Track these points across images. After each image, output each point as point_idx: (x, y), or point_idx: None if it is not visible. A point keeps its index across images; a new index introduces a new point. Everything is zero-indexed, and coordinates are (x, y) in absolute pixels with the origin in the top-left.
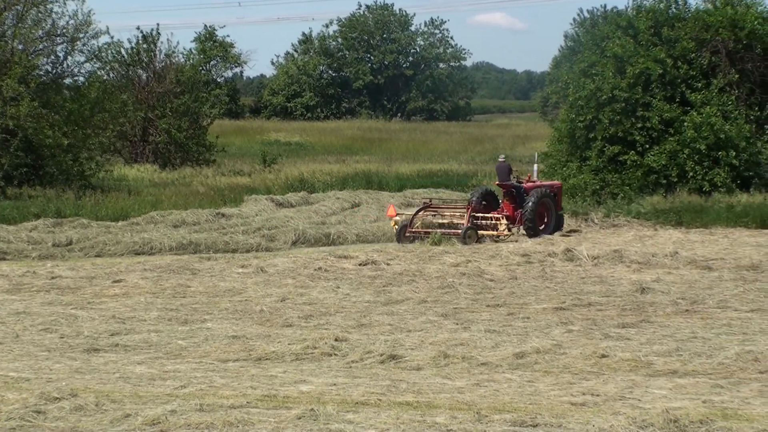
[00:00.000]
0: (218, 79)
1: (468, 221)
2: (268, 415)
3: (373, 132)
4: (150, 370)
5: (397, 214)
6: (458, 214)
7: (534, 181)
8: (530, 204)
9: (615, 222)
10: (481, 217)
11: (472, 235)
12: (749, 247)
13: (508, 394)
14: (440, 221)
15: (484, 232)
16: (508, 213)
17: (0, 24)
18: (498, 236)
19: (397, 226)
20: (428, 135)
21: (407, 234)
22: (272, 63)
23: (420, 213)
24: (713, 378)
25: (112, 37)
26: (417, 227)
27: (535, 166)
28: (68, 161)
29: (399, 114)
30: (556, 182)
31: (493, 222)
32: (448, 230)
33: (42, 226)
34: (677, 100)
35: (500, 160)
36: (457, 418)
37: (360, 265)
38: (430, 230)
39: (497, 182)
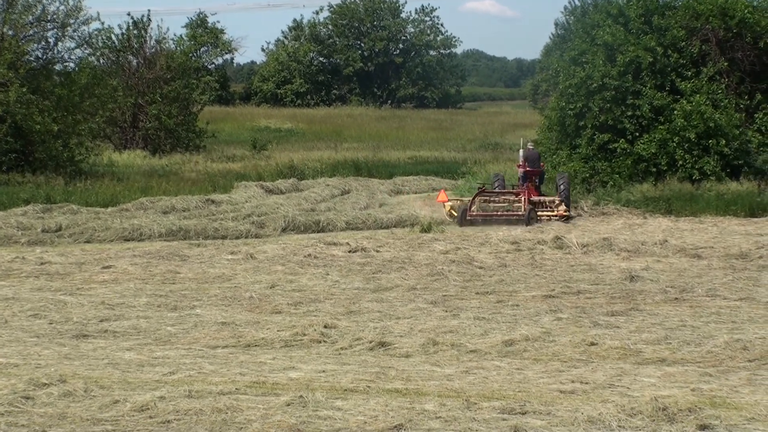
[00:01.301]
0: (209, 66)
1: (526, 204)
2: (257, 401)
3: (363, 119)
4: (139, 357)
5: (449, 200)
6: (513, 198)
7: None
8: (564, 188)
9: (604, 210)
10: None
11: (534, 216)
12: (738, 235)
13: (497, 381)
14: (497, 205)
15: (546, 214)
16: (534, 197)
17: None
18: (559, 217)
19: (453, 211)
20: (418, 122)
21: (468, 218)
22: (263, 50)
23: (476, 198)
24: (702, 366)
25: (102, 23)
26: (472, 211)
27: (521, 152)
28: (58, 147)
29: (389, 101)
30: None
31: (548, 204)
32: (507, 214)
33: (31, 212)
34: (667, 88)
35: (530, 147)
36: (446, 406)
37: (349, 252)
38: (488, 214)
39: (528, 168)
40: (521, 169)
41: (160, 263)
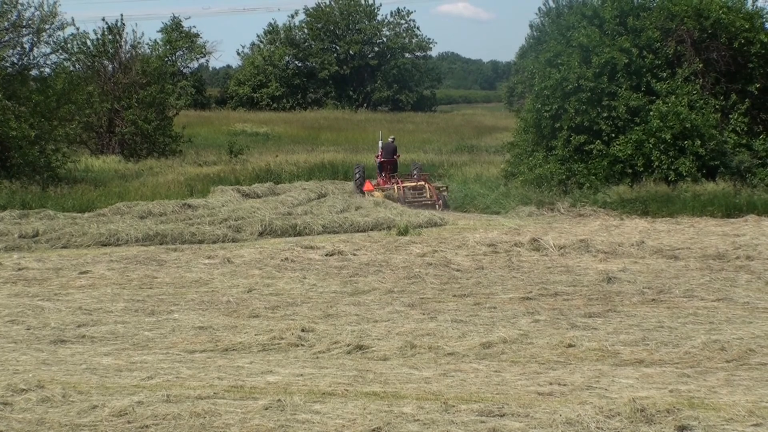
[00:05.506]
0: (184, 70)
1: (434, 191)
2: (235, 405)
3: (339, 122)
4: (117, 362)
5: (374, 188)
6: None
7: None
8: (418, 174)
9: (581, 212)
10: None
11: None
12: (715, 236)
13: (475, 384)
14: (417, 191)
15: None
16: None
17: None
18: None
19: (388, 199)
20: (394, 125)
21: (406, 201)
22: (238, 53)
23: (402, 187)
24: (680, 367)
25: (77, 29)
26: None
27: (380, 143)
28: (34, 153)
29: (365, 104)
30: None
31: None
32: (426, 199)
33: (8, 218)
34: (643, 89)
35: (390, 140)
36: (424, 408)
37: (326, 255)
38: (414, 200)
39: (384, 158)
40: (378, 160)
41: (138, 268)
